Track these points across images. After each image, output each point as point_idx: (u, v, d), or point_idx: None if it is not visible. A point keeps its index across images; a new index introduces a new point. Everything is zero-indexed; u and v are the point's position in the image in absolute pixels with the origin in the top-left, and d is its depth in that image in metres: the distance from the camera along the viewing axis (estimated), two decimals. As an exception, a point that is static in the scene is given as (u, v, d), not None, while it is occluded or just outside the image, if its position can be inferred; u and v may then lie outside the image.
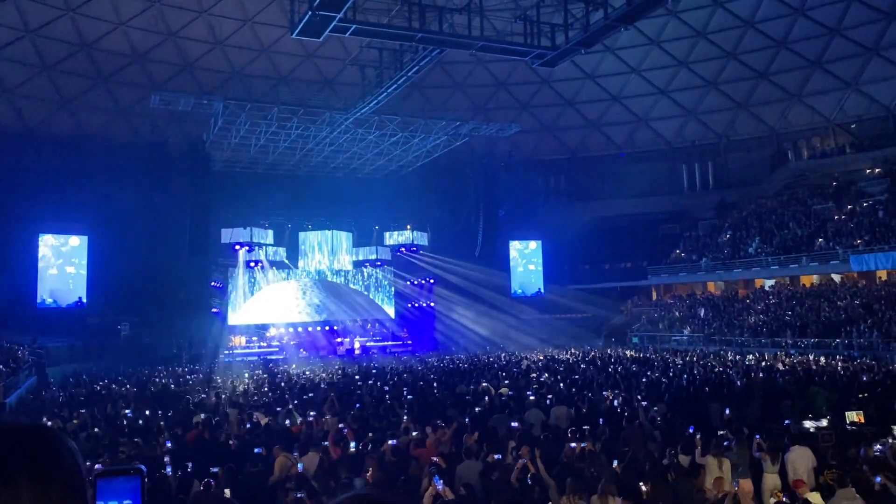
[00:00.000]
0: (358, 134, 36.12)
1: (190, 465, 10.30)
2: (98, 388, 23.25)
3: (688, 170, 49.42)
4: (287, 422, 14.25)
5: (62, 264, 38.02)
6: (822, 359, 25.46)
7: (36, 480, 1.04)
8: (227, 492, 8.69)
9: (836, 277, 37.87)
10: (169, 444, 12.03)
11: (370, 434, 11.89)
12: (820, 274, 38.25)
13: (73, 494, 1.08)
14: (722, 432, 11.19)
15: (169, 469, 9.98)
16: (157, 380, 25.70)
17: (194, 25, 39.47)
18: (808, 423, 12.70)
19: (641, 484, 8.65)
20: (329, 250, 46.26)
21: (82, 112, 40.21)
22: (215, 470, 9.51)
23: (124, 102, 40.62)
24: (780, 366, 23.20)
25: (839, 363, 23.59)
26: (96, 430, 13.69)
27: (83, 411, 16.17)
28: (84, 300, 37.75)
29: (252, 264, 43.09)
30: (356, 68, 31.55)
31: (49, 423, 14.40)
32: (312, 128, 34.95)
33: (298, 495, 8.16)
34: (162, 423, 14.35)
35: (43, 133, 38.66)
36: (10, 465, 1.04)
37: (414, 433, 11.71)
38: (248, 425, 13.65)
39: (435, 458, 9.54)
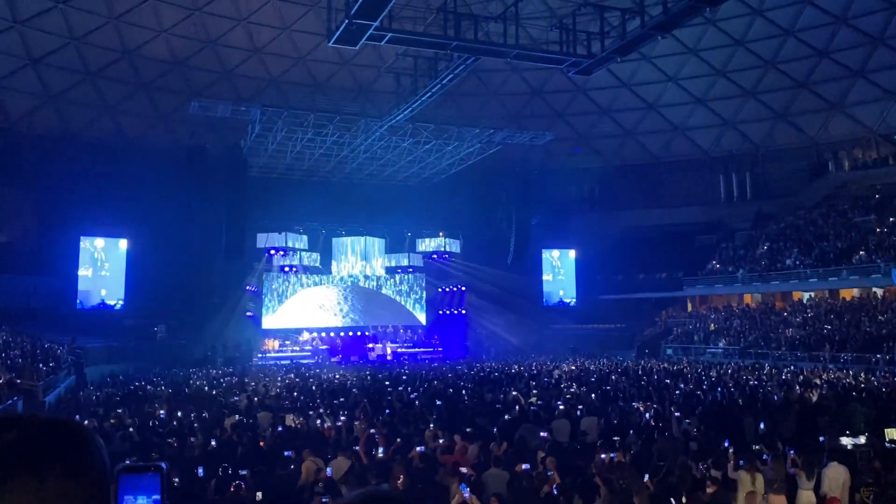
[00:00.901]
0: (392, 141, 36.35)
1: (221, 466, 10.41)
2: (133, 388, 23.65)
3: (725, 180, 48.75)
4: (318, 423, 14.35)
5: (99, 267, 38.81)
6: (862, 374, 24.86)
7: (63, 474, 1.06)
8: (259, 495, 8.77)
9: (878, 291, 37.00)
10: (201, 445, 12.20)
11: (398, 440, 11.91)
12: (860, 287, 37.39)
13: (98, 489, 1.11)
14: (757, 447, 11.00)
15: (201, 470, 10.10)
16: (192, 381, 26.05)
17: (233, 33, 40.15)
18: (845, 440, 12.40)
19: (673, 500, 8.54)
20: (362, 256, 46.55)
21: (123, 118, 41.11)
22: (244, 472, 9.60)
23: (164, 109, 41.44)
24: (818, 380, 22.72)
25: (880, 379, 23.02)
26: (131, 429, 13.91)
27: (119, 411, 16.45)
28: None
29: (286, 269, 43.55)
30: (391, 76, 31.77)
31: (83, 421, 14.69)
32: (347, 135, 35.28)
33: (324, 500, 8.20)
34: (195, 424, 14.54)
35: (85, 138, 39.60)
36: (39, 457, 1.06)
37: (441, 440, 11.70)
38: (280, 428, 13.76)
39: (464, 469, 9.52)
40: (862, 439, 12.39)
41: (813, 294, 39.71)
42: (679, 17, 22.64)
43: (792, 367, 28.81)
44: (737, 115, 46.29)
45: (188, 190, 37.26)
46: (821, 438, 12.25)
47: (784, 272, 39.48)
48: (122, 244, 39.38)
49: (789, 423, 14.33)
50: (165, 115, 41.67)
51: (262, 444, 12.20)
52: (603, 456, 10.36)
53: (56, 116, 39.16)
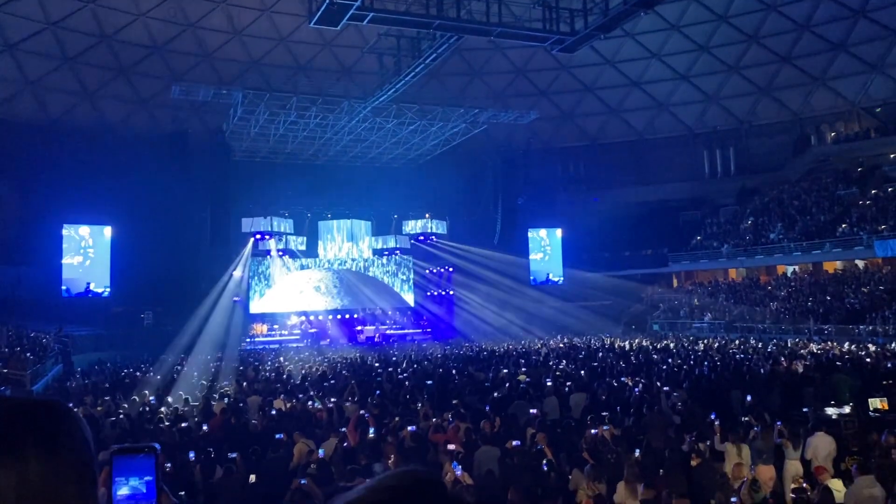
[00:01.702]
0: (376, 123, 36.14)
1: (212, 451, 10.42)
2: (122, 375, 23.57)
3: (709, 156, 48.90)
4: (310, 405, 14.39)
5: (83, 254, 38.49)
6: (846, 345, 25.19)
7: (45, 454, 1.05)
8: (253, 477, 8.79)
9: (860, 263, 37.39)
10: (191, 430, 12.21)
11: (394, 419, 11.96)
12: (844, 260, 37.78)
13: (82, 469, 1.09)
14: (745, 419, 11.13)
15: (192, 455, 10.11)
16: (180, 367, 25.97)
17: (213, 16, 39.62)
18: (830, 410, 12.58)
19: (661, 472, 8.64)
20: (348, 238, 46.43)
21: (104, 103, 40.59)
22: (234, 455, 9.63)
23: (145, 93, 40.95)
24: (803, 353, 23.00)
25: (863, 350, 23.33)
26: (121, 415, 13.89)
27: (107, 398, 16.40)
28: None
29: (272, 253, 43.38)
30: (374, 57, 31.52)
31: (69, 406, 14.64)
32: (331, 117, 35.02)
33: (302, 482, 8.28)
34: (185, 409, 14.52)
35: (65, 125, 39.09)
36: (19, 438, 1.04)
37: (434, 420, 11.77)
38: (273, 412, 13.79)
39: (451, 446, 9.58)
40: (847, 409, 12.57)
41: (797, 267, 40.10)
42: (662, -7, 22.57)
43: (776, 340, 29.15)
44: (720, 90, 46.36)
45: (171, 175, 36.88)
46: (806, 409, 12.43)
47: (768, 246, 39.81)
48: (107, 231, 39.03)
49: (775, 395, 14.51)
50: (146, 100, 41.19)
51: (253, 422, 12.21)
52: (594, 431, 10.46)
53: (35, 103, 38.62)
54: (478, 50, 43.35)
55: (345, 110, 34.17)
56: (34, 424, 1.07)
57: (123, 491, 1.24)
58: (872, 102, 42.90)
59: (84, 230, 38.59)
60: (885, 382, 15.19)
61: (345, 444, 10.41)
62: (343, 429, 11.34)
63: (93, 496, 1.10)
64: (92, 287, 38.23)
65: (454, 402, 12.88)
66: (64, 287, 37.69)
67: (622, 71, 46.64)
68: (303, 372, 22.20)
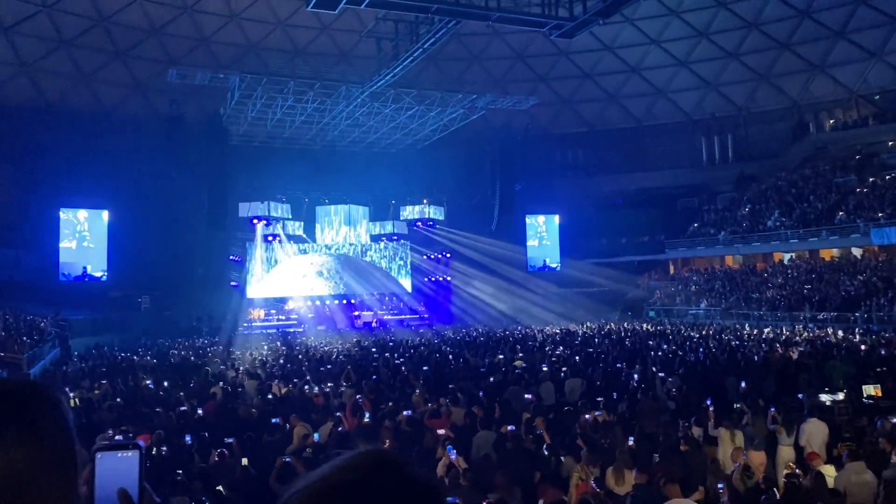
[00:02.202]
0: (374, 107, 36.00)
1: (208, 434, 10.47)
2: (119, 359, 23.63)
3: (707, 142, 48.82)
4: (307, 389, 14.45)
5: (78, 238, 38.45)
6: (841, 332, 25.29)
7: (24, 438, 1.04)
8: (245, 461, 8.84)
9: (857, 251, 37.45)
10: (188, 414, 12.26)
11: (389, 404, 12.01)
12: (840, 248, 37.84)
13: (62, 454, 1.08)
14: (738, 405, 11.20)
15: (188, 438, 10.15)
16: (177, 352, 26.05)
17: (210, -1, 39.39)
18: (824, 397, 12.67)
19: (655, 456, 8.70)
20: (346, 224, 46.39)
21: (100, 87, 40.39)
22: (230, 440, 9.67)
23: (141, 77, 40.74)
24: (798, 339, 23.10)
25: (858, 337, 23.42)
26: (118, 400, 13.93)
27: (104, 382, 16.44)
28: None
29: (270, 238, 43.33)
30: (372, 41, 31.33)
31: (70, 393, 14.68)
32: (329, 101, 34.89)
33: (286, 459, 8.35)
34: (181, 393, 14.57)
35: (61, 108, 38.92)
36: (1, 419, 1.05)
37: (429, 405, 11.82)
38: (270, 395, 13.84)
39: (441, 431, 9.63)
40: (840, 396, 12.67)
41: (793, 255, 40.16)
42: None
43: (772, 327, 29.25)
44: (719, 77, 46.24)
45: (168, 159, 36.79)
46: (800, 396, 12.50)
47: (765, 233, 39.85)
48: (105, 215, 38.96)
49: (770, 382, 14.58)
50: (143, 84, 40.98)
51: (253, 411, 12.26)
52: (587, 416, 10.52)
53: (30, 86, 38.42)
54: (476, 35, 43.13)
55: (342, 95, 34.03)
56: (13, 408, 1.06)
57: (105, 489, 1.21)
58: (871, 90, 42.81)
59: (81, 214, 38.53)
60: (878, 369, 15.29)
61: (339, 429, 10.46)
62: (339, 413, 11.39)
63: (73, 482, 1.10)
64: (89, 270, 38.21)
65: (451, 386, 12.92)
66: (64, 272, 37.67)
67: (621, 57, 46.47)
68: (300, 357, 22.24)
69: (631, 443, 9.15)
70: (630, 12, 39.81)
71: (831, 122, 44.75)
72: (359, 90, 33.27)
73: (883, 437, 8.58)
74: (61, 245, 37.74)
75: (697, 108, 48.29)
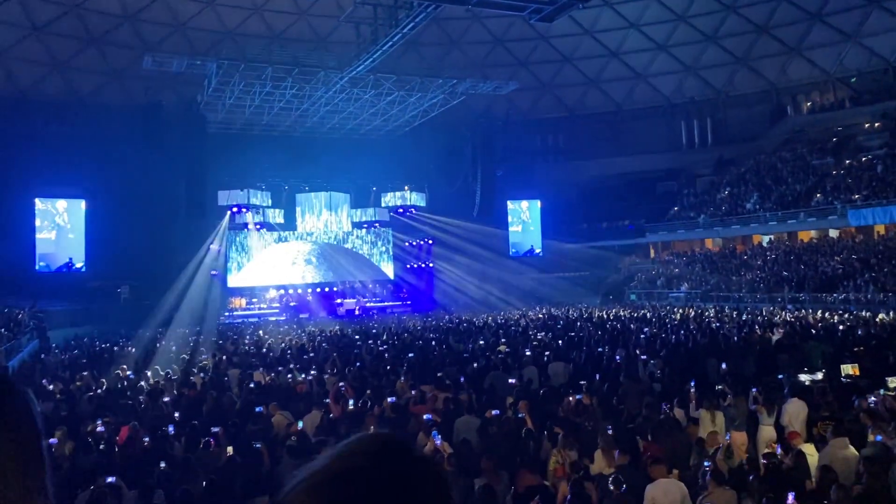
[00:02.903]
0: (353, 93, 35.74)
1: (192, 424, 10.40)
2: (99, 350, 23.41)
3: (686, 126, 49.07)
4: (290, 378, 14.39)
5: (58, 228, 37.96)
6: (819, 313, 25.60)
7: None
8: (230, 450, 8.80)
9: (834, 233, 37.90)
10: (170, 404, 12.18)
11: (369, 391, 12.00)
12: (818, 229, 38.27)
13: (25, 447, 1.05)
14: (719, 387, 11.29)
15: (171, 429, 10.09)
16: (158, 342, 25.83)
17: (185, -16, 38.83)
18: (803, 377, 12.81)
19: (639, 438, 8.77)
20: (327, 211, 46.17)
21: (74, 75, 39.77)
22: (216, 430, 9.62)
23: (116, 64, 40.15)
24: (777, 320, 23.35)
25: (836, 317, 23.73)
26: (98, 391, 13.81)
27: (85, 373, 16.28)
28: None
29: (250, 226, 43.05)
30: (350, 26, 31.08)
31: (49, 385, 14.53)
32: (307, 87, 34.59)
33: (256, 445, 8.48)
34: (163, 383, 14.46)
35: (35, 96, 38.30)
36: None
37: (413, 392, 11.82)
38: (251, 384, 13.76)
39: (427, 416, 9.64)
40: (819, 375, 12.82)
41: (772, 237, 40.56)
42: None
43: (752, 309, 29.56)
44: (698, 61, 46.42)
45: (145, 148, 36.31)
46: (780, 376, 12.64)
47: (744, 216, 40.20)
48: (81, 205, 38.46)
49: (750, 363, 14.73)
50: (118, 71, 40.39)
51: (236, 402, 12.20)
52: (570, 398, 10.57)
53: (3, 74, 37.73)
54: (456, 19, 42.91)
55: (321, 81, 33.74)
56: None
57: None
58: (847, 73, 43.18)
59: (62, 204, 37.94)
60: (856, 349, 15.50)
61: (330, 416, 10.45)
62: (326, 400, 11.37)
63: (37, 477, 1.06)
64: (73, 261, 37.72)
65: (438, 375, 12.91)
66: (42, 263, 37.20)
67: (601, 41, 46.48)
68: (282, 345, 22.18)
69: (612, 425, 9.22)
70: (609, -4, 39.80)
71: (808, 104, 45.14)
72: (338, 76, 33.00)
73: (863, 412, 8.70)
74: (38, 236, 37.24)
75: (677, 92, 48.48)
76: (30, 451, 1.05)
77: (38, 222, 37.41)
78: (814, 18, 41.45)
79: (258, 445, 8.83)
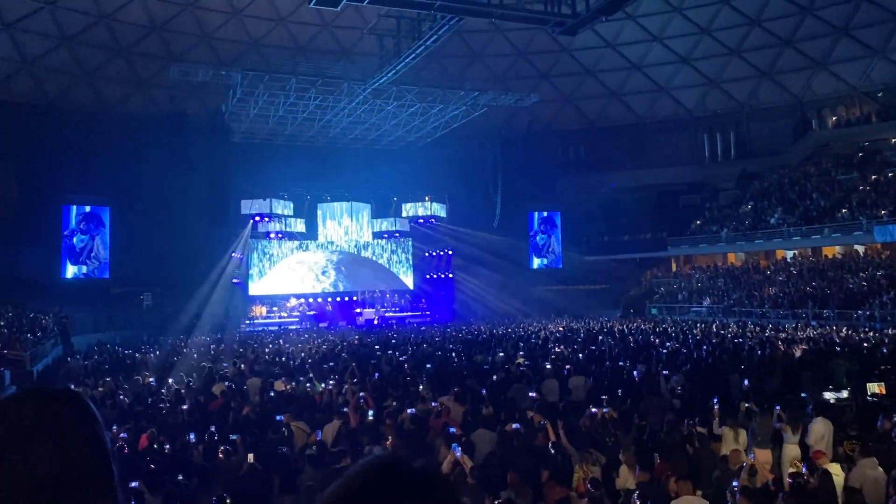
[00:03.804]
0: (376, 105, 35.96)
1: (212, 432, 10.46)
2: (122, 356, 23.63)
3: (709, 139, 48.74)
4: (308, 387, 14.42)
5: (84, 235, 38.42)
6: (844, 330, 25.24)
7: (52, 447, 1.04)
8: (251, 457, 8.82)
9: (860, 248, 37.38)
10: (191, 412, 12.25)
11: (393, 402, 11.98)
12: (843, 245, 37.77)
13: (92, 461, 1.07)
14: (748, 405, 11.13)
15: (192, 436, 10.14)
16: (180, 349, 26.04)
17: (212, -5, 39.32)
18: (828, 395, 12.63)
19: (657, 455, 8.68)
20: (348, 221, 46.38)
21: (102, 84, 40.37)
22: (234, 437, 9.66)
23: (143, 74, 40.71)
24: (801, 336, 23.06)
25: (861, 334, 23.38)
26: (121, 396, 13.93)
27: (108, 379, 16.44)
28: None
29: (272, 235, 43.36)
30: (374, 38, 31.27)
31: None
32: (331, 98, 34.86)
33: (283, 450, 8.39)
34: (184, 391, 14.57)
35: (63, 105, 38.89)
36: (26, 434, 1.03)
37: (434, 404, 11.78)
38: (271, 393, 13.82)
39: (450, 428, 9.60)
40: (844, 394, 12.62)
41: (796, 252, 40.09)
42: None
43: (775, 325, 29.19)
44: (721, 74, 46.13)
45: (170, 156, 36.80)
46: (804, 394, 12.47)
47: (768, 231, 39.77)
48: (103, 212, 38.90)
49: (774, 380, 14.55)
50: (145, 81, 40.95)
51: (253, 409, 12.24)
52: (594, 410, 10.48)
53: (32, 83, 38.38)
54: (478, 32, 43.05)
55: (344, 92, 33.99)
56: (40, 417, 1.05)
57: None
58: (874, 87, 42.69)
59: (82, 211, 38.35)
60: (882, 367, 15.26)
61: (349, 426, 10.46)
62: (345, 409, 11.38)
63: (106, 493, 1.08)
64: (92, 265, 38.12)
65: (455, 390, 12.87)
66: (72, 269, 37.56)
67: (623, 54, 46.37)
68: (302, 354, 22.25)
69: (633, 441, 9.14)
70: (632, 9, 39.70)
71: (834, 119, 44.64)
72: (361, 87, 33.22)
73: (888, 433, 8.56)
74: (64, 242, 37.73)
75: (699, 105, 48.21)
76: (97, 467, 1.08)
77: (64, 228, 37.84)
78: (839, 33, 41.08)
79: (284, 450, 8.83)
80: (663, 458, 8.25)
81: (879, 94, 42.69)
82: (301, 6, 37.72)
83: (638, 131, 49.59)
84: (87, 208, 38.31)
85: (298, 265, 45.11)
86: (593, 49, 45.42)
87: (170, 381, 16.28)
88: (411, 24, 27.81)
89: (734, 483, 7.02)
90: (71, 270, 37.66)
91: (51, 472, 1.02)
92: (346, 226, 46.33)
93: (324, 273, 45.83)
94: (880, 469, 7.20)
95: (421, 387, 13.50)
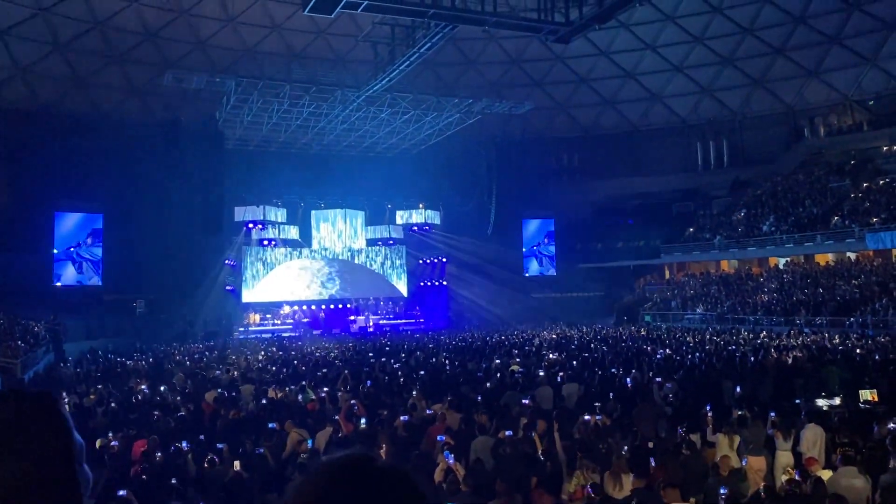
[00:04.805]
0: (370, 112, 36.02)
1: (198, 440, 10.41)
2: (114, 364, 23.52)
3: (702, 147, 48.94)
4: (300, 397, 14.36)
5: (77, 242, 38.28)
6: (837, 337, 25.31)
7: (24, 451, 1.03)
8: (237, 464, 8.78)
9: (852, 256, 37.53)
10: (183, 419, 12.19)
11: (384, 411, 11.95)
12: (835, 252, 37.92)
13: (60, 468, 1.06)
14: (741, 412, 11.13)
15: (185, 444, 10.09)
16: (172, 356, 25.95)
17: (207, 3, 39.34)
18: (820, 402, 12.64)
19: (652, 460, 8.67)
20: (342, 228, 46.35)
21: (96, 91, 40.30)
22: (221, 446, 9.62)
23: (137, 81, 40.67)
24: (794, 343, 23.11)
25: (853, 341, 23.45)
26: (112, 405, 13.86)
27: (99, 387, 16.36)
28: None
29: (265, 242, 43.29)
30: (368, 45, 31.38)
31: (64, 398, 14.61)
32: (325, 106, 34.91)
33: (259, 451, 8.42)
34: (177, 398, 14.50)
35: (57, 112, 38.79)
36: (29, 430, 1.04)
37: (428, 411, 11.76)
38: (263, 401, 13.77)
39: (440, 436, 9.58)
40: (837, 401, 12.64)
41: (789, 259, 40.22)
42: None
43: (768, 332, 29.27)
44: (714, 82, 46.37)
45: (163, 163, 36.74)
46: (797, 401, 12.48)
47: (760, 238, 39.90)
48: (96, 219, 38.76)
49: (767, 386, 14.57)
50: (139, 88, 40.91)
51: (239, 414, 12.20)
52: (587, 417, 10.48)
53: (25, 89, 38.30)
54: (472, 39, 43.19)
55: (338, 99, 34.04)
56: (14, 420, 1.05)
57: None
58: (865, 95, 42.97)
59: (75, 218, 38.17)
60: (874, 374, 15.29)
61: (339, 435, 10.41)
62: (336, 417, 11.34)
63: (71, 497, 1.07)
64: (83, 272, 37.94)
65: (449, 399, 12.86)
66: (58, 277, 37.40)
67: (616, 62, 46.56)
68: (294, 362, 22.17)
69: (627, 448, 9.13)
70: (625, 18, 39.87)
71: (826, 127, 44.88)
72: (355, 94, 33.29)
73: (884, 440, 8.56)
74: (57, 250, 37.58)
75: (693, 113, 48.43)
76: (65, 475, 1.07)
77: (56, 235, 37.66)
78: (831, 42, 41.36)
79: (261, 451, 8.84)
80: (658, 466, 8.24)
81: (871, 103, 42.97)
82: (295, 13, 37.82)
83: (632, 139, 49.76)
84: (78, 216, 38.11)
85: (292, 272, 45.04)
86: (587, 57, 45.60)
87: (162, 388, 16.21)
88: (405, 32, 27.91)
89: (722, 490, 7.02)
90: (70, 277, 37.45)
91: (17, 478, 1.01)
92: (340, 232, 46.29)
93: (318, 280, 45.75)
94: (861, 479, 7.19)
95: (414, 392, 13.47)
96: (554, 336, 30.96)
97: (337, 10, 22.38)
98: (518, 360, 20.19)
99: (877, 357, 18.36)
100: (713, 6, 42.07)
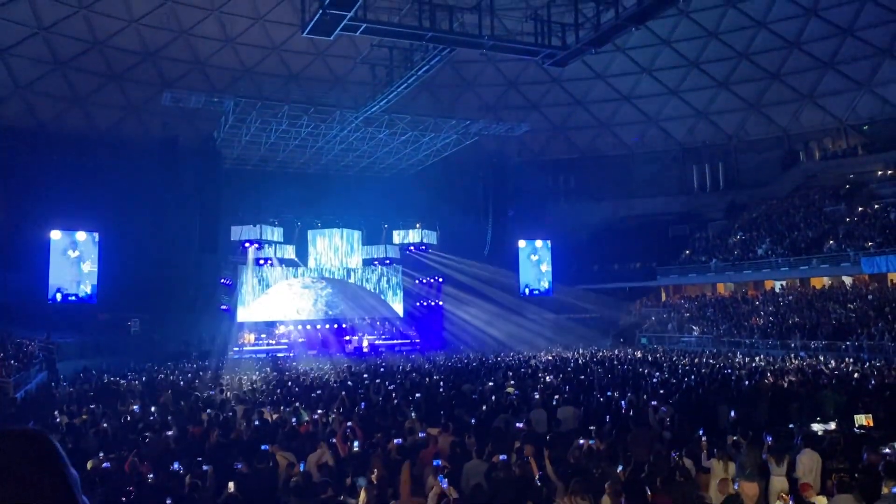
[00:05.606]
0: (368, 132, 36.18)
1: (187, 461, 10.33)
2: (107, 383, 23.38)
3: (698, 170, 49.20)
4: (294, 420, 14.27)
5: (74, 260, 38.13)
6: (832, 361, 25.29)
7: (17, 486, 1.03)
8: (231, 485, 8.69)
9: (847, 280, 37.61)
10: (176, 440, 12.11)
11: (378, 434, 11.88)
12: (831, 276, 38.00)
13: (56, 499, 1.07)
14: (735, 437, 11.09)
15: (177, 465, 10.01)
16: (166, 376, 25.81)
17: (206, 23, 39.60)
18: (816, 426, 12.61)
19: (647, 489, 8.62)
20: (339, 248, 46.33)
21: (94, 109, 40.44)
22: (206, 468, 9.55)
23: (136, 100, 40.82)
24: (790, 367, 23.09)
25: (849, 366, 23.43)
26: (105, 425, 13.76)
27: (92, 407, 16.26)
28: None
29: (262, 262, 43.24)
30: (366, 67, 31.58)
31: (56, 417, 14.51)
32: (323, 126, 35.05)
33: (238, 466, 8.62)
34: (170, 418, 14.41)
35: (55, 130, 38.90)
36: (11, 469, 1.03)
37: (421, 434, 11.69)
38: (256, 422, 13.67)
39: (436, 461, 9.52)
40: (832, 425, 12.61)
41: (784, 283, 40.29)
42: (653, 9, 22.76)
43: (763, 355, 29.24)
44: (710, 106, 46.70)
45: (161, 182, 36.78)
46: (791, 425, 12.45)
47: (756, 261, 40.00)
48: (95, 237, 38.68)
49: (762, 410, 14.53)
50: (137, 107, 41.05)
51: (230, 436, 12.12)
52: (581, 442, 10.43)
53: (24, 108, 38.42)
54: (470, 62, 43.52)
55: (336, 120, 34.20)
56: (10, 457, 1.05)
57: None
58: (860, 120, 43.31)
59: (81, 236, 37.92)
60: (869, 399, 15.27)
61: (336, 455, 10.36)
62: (333, 440, 11.27)
63: None
64: (82, 289, 37.64)
65: (442, 422, 12.79)
66: (54, 295, 37.10)
67: (613, 85, 46.91)
68: (289, 383, 22.08)
69: (621, 472, 9.08)
70: (622, 42, 40.28)
71: (820, 151, 45.18)
72: (353, 115, 33.45)
73: (874, 466, 8.53)
74: (51, 267, 37.40)
75: (688, 136, 48.73)
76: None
77: (52, 254, 37.47)
78: (826, 66, 41.74)
79: (239, 466, 8.86)
80: (658, 490, 8.20)
81: (865, 128, 43.31)
82: (294, 35, 38.03)
83: (627, 161, 50.00)
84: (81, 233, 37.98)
85: (288, 292, 44.96)
86: (583, 80, 45.95)
87: (153, 409, 16.11)
88: (403, 54, 28.11)
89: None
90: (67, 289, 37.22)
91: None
92: (337, 250, 46.26)
93: (313, 300, 45.67)
94: (856, 505, 7.16)
95: (412, 416, 13.40)
96: (550, 358, 30.88)
97: (336, 33, 22.54)
98: (513, 382, 20.13)
99: (872, 381, 18.35)
100: (709, 31, 42.49)
